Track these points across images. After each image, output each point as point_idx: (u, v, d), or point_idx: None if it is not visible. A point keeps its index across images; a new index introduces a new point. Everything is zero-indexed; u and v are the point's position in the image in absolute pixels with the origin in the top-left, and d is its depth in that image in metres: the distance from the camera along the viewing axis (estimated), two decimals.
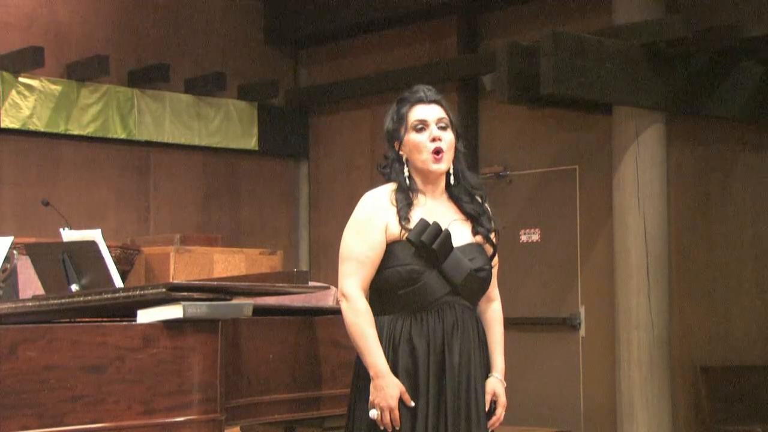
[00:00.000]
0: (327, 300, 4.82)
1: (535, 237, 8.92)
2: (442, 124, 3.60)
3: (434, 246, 3.46)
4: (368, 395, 3.47)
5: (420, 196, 3.58)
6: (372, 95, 9.80)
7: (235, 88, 10.01)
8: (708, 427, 8.07)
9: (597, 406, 8.40)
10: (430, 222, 3.49)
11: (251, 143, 10.08)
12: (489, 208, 3.70)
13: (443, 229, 3.49)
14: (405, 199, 3.54)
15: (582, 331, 8.58)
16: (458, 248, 3.53)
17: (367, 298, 3.54)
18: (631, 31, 7.49)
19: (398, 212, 3.52)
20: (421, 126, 3.58)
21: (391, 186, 3.60)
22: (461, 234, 3.58)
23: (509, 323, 9.45)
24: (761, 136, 8.60)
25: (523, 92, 7.38)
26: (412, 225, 3.50)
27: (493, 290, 3.70)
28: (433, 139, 3.56)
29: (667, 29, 7.33)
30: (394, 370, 3.47)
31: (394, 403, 3.43)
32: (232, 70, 9.93)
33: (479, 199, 3.66)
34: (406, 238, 3.48)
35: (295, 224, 10.44)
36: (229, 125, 9.94)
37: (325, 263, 10.05)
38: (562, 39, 7.11)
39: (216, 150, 9.93)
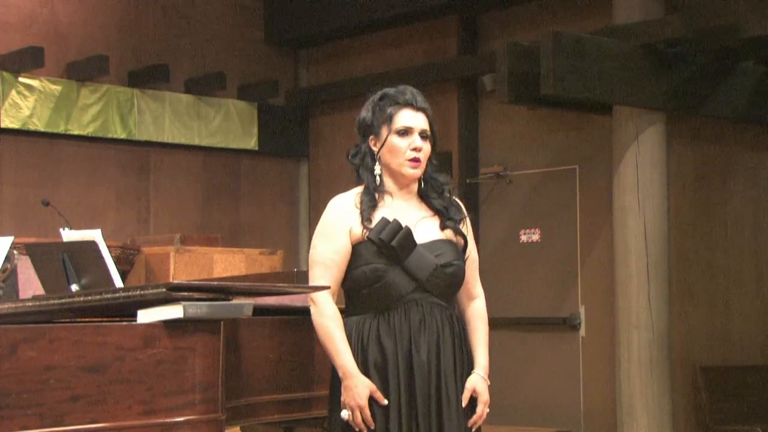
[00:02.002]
0: None
1: (535, 237, 8.91)
2: (424, 135, 3.62)
3: (393, 243, 3.48)
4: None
5: (387, 197, 3.60)
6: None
7: (235, 88, 10.01)
8: (708, 427, 8.07)
9: (597, 406, 8.40)
10: (393, 220, 3.50)
11: (251, 143, 10.08)
12: (459, 201, 3.71)
13: (403, 226, 3.50)
14: (370, 201, 3.57)
15: (582, 331, 8.58)
16: (424, 245, 3.53)
17: (340, 302, 3.57)
18: (631, 31, 7.49)
19: (361, 213, 3.55)
20: (405, 132, 3.61)
21: (359, 189, 3.63)
22: (429, 230, 3.59)
23: (509, 323, 9.44)
24: (761, 136, 8.61)
25: (523, 92, 7.38)
26: (374, 225, 3.52)
27: (475, 288, 3.70)
28: (414, 149, 3.58)
29: (667, 29, 7.33)
30: (365, 370, 3.48)
31: (364, 402, 3.44)
32: (232, 70, 9.94)
33: (447, 194, 3.67)
34: (367, 237, 3.51)
35: (295, 224, 10.44)
36: (229, 125, 9.94)
37: None
38: (562, 39, 7.11)
39: (216, 150, 9.93)
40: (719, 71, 7.90)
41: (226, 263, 8.15)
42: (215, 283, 3.60)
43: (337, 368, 3.50)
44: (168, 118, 9.55)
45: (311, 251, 3.61)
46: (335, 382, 3.56)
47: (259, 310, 3.56)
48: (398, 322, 3.50)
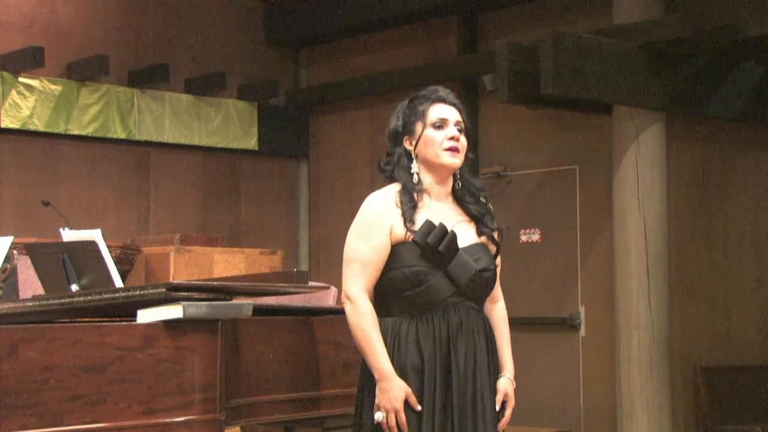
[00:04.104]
0: (327, 300, 4.82)
1: (535, 237, 8.92)
2: (460, 128, 3.59)
3: (440, 248, 3.44)
4: (374, 398, 3.45)
5: (425, 197, 3.56)
6: (372, 95, 9.80)
7: (235, 88, 10.01)
8: (708, 427, 8.07)
9: (597, 406, 8.40)
10: (436, 223, 3.47)
11: (251, 143, 10.08)
12: (492, 208, 3.70)
13: (449, 230, 3.48)
14: (410, 201, 3.52)
15: (582, 331, 8.58)
16: (463, 249, 3.51)
17: (372, 301, 3.52)
18: (631, 31, 7.49)
19: (403, 214, 3.49)
20: (440, 124, 3.57)
21: (396, 187, 3.57)
22: (466, 235, 3.56)
23: (510, 323, 9.46)
24: (761, 136, 8.60)
25: (523, 92, 7.38)
26: (417, 227, 3.47)
27: (497, 290, 3.70)
28: (451, 138, 3.56)
29: (667, 29, 7.33)
30: (402, 372, 3.44)
31: (399, 405, 3.40)
32: (232, 70, 9.94)
33: (483, 200, 3.66)
34: (412, 239, 3.46)
35: (295, 224, 10.44)
36: (229, 125, 9.94)
37: (325, 263, 10.05)
38: (562, 39, 7.11)
39: (216, 150, 9.94)
40: (719, 71, 7.89)
41: (226, 263, 8.16)
42: (215, 283, 3.60)
43: (373, 370, 3.45)
44: (168, 118, 9.55)
45: (347, 248, 3.52)
46: (365, 382, 3.52)
47: (259, 310, 3.56)
48: (437, 325, 3.47)
